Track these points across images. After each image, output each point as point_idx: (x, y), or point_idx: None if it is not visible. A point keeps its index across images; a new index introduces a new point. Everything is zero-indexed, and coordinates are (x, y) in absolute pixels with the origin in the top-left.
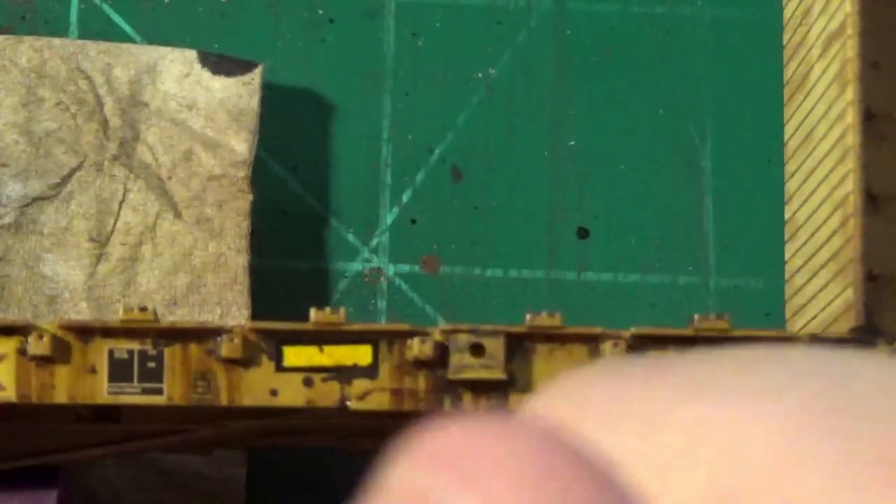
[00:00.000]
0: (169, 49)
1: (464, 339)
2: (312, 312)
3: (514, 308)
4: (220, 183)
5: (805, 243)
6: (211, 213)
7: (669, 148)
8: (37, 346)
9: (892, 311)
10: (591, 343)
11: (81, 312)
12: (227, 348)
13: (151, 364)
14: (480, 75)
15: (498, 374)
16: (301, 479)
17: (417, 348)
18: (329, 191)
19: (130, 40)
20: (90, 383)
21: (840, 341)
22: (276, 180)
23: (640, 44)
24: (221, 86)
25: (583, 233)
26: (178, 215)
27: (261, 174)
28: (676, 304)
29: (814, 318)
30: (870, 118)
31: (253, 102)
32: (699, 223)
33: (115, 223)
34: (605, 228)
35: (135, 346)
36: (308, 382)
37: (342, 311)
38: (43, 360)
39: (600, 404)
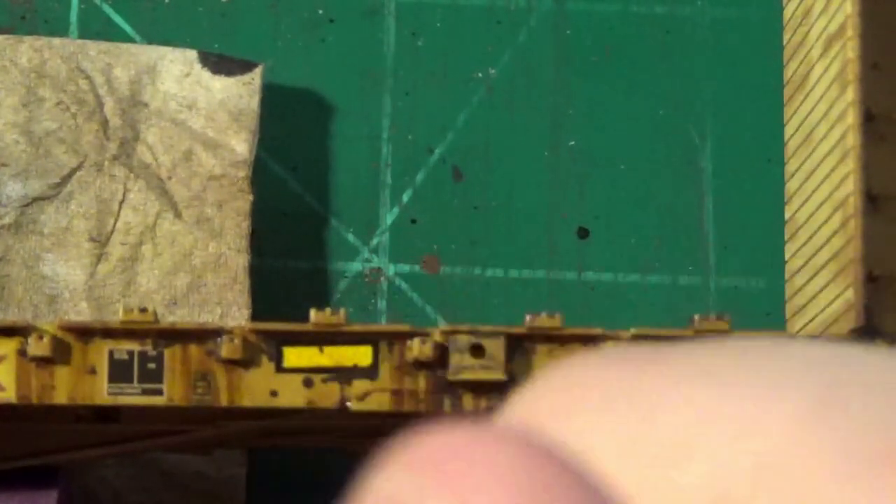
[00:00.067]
0: (169, 49)
1: (464, 339)
2: (312, 313)
3: (514, 308)
4: (221, 183)
5: (805, 244)
6: (211, 213)
7: (669, 148)
8: (37, 347)
9: (892, 312)
10: (591, 344)
11: (81, 312)
12: (227, 349)
13: (151, 365)
14: (480, 75)
15: (498, 375)
16: (301, 479)
17: (417, 349)
18: (329, 191)
19: (130, 40)
20: (90, 384)
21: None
22: (276, 180)
23: (640, 44)
24: (221, 86)
25: (583, 233)
26: (178, 215)
27: (261, 174)
28: (676, 304)
29: (814, 318)
30: (870, 119)
31: (253, 102)
32: (699, 223)
33: (115, 223)
34: (605, 228)
35: (135, 346)
36: (308, 383)
37: (342, 311)
38: (43, 361)
39: (596, 396)
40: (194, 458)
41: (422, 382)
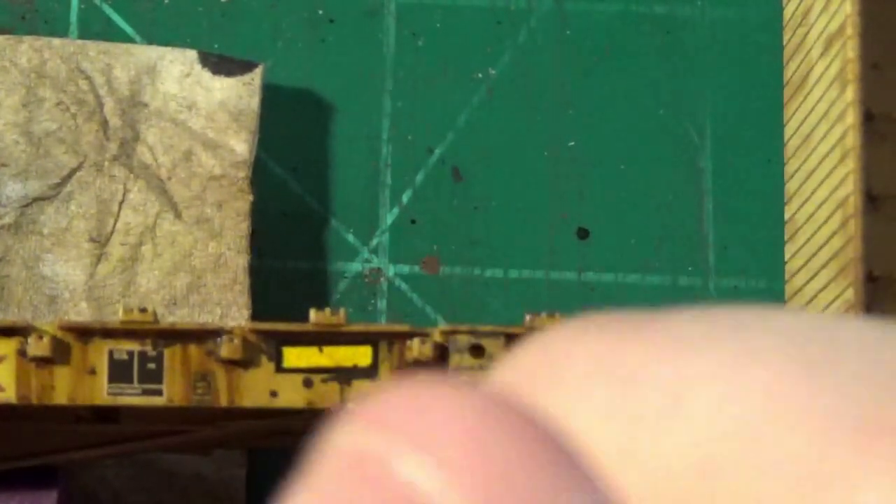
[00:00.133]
0: (169, 49)
1: (463, 339)
2: (312, 313)
3: (514, 308)
4: (221, 183)
5: (805, 244)
6: (211, 214)
7: (669, 148)
8: (37, 347)
9: (892, 313)
10: None
11: (81, 313)
12: (226, 349)
13: (151, 365)
14: (480, 75)
15: None
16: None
17: (417, 349)
18: (329, 191)
19: (130, 40)
20: (90, 384)
21: None
22: (276, 181)
23: (640, 44)
24: (221, 86)
25: (583, 233)
26: (178, 215)
27: (261, 174)
28: (676, 304)
29: None
30: (870, 119)
31: (253, 103)
32: (699, 223)
33: (115, 223)
34: (605, 229)
35: (135, 347)
36: (308, 383)
37: (342, 311)
38: (43, 361)
39: (577, 365)
40: (194, 458)
41: None
